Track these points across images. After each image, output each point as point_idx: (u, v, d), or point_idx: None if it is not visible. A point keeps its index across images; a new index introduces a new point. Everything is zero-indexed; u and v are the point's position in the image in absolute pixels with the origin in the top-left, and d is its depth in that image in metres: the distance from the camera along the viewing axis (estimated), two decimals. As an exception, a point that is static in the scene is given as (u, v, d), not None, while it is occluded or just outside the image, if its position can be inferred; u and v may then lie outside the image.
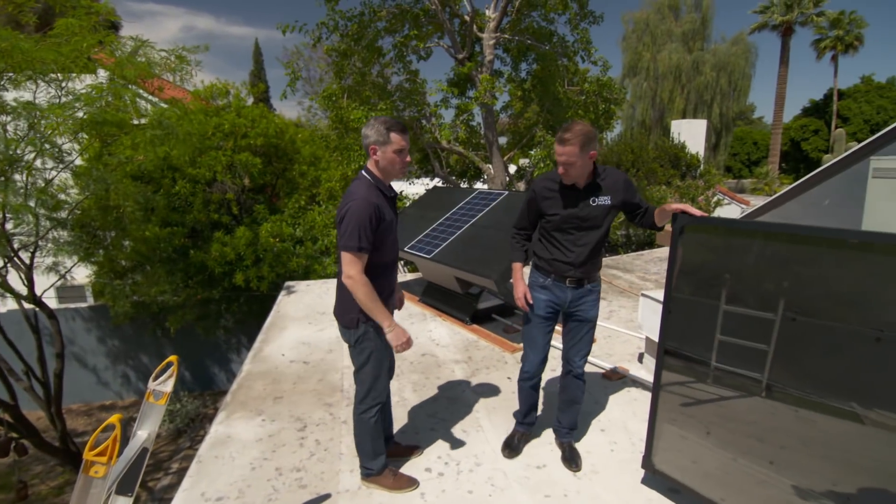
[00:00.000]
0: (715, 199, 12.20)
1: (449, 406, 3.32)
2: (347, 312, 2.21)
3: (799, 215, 7.85)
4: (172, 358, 1.76)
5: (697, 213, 2.12)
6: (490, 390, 3.52)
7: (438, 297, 5.27)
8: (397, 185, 11.87)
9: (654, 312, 3.50)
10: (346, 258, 2.05)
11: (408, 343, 2.15)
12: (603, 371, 3.78)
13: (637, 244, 12.10)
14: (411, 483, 2.49)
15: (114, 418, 1.36)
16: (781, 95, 31.37)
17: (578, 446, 2.81)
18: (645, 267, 7.10)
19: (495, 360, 4.03)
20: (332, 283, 6.74)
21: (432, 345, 4.40)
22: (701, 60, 29.21)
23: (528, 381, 2.73)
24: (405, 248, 5.07)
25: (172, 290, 7.32)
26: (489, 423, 3.10)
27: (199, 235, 8.12)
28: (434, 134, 8.87)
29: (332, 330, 4.86)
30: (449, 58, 9.20)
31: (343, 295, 2.22)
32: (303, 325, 5.04)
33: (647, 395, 3.40)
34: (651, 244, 11.34)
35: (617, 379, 3.67)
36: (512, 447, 2.76)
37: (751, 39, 30.45)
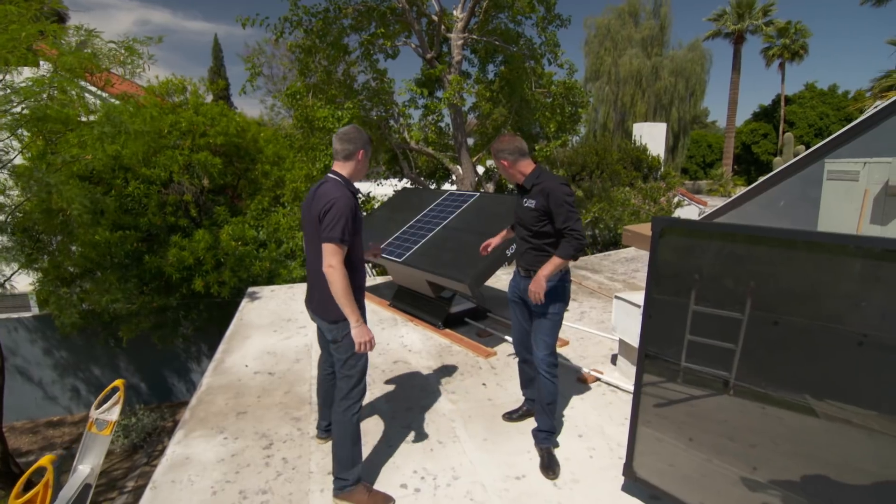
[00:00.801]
0: (676, 199, 12.56)
1: (423, 416, 3.21)
2: (336, 307, 2.25)
3: (757, 216, 8.15)
4: (118, 383, 1.59)
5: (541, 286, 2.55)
6: (465, 398, 3.44)
7: (409, 302, 5.15)
8: (364, 186, 11.64)
9: (628, 315, 3.51)
10: (330, 249, 2.18)
11: (370, 343, 2.26)
12: (577, 374, 3.76)
13: (603, 244, 12.33)
14: (387, 500, 2.39)
15: (45, 460, 1.19)
16: (734, 100, 32.81)
17: (557, 452, 2.75)
18: (612, 267, 7.20)
19: (469, 366, 3.95)
20: (299, 287, 6.51)
21: (404, 351, 4.27)
22: (660, 66, 30.17)
23: (517, 358, 3.11)
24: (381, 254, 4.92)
25: (125, 297, 6.89)
26: (465, 432, 3.01)
27: (156, 239, 7.70)
28: (402, 134, 8.73)
29: (299, 337, 4.66)
30: (417, 58, 9.09)
31: (328, 291, 2.25)
32: (267, 333, 4.81)
33: (623, 399, 3.39)
34: (616, 244, 11.58)
35: (592, 382, 3.65)
36: (511, 417, 3.15)
37: (706, 46, 31.70)
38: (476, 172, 9.26)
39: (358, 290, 2.34)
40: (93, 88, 9.35)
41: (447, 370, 3.87)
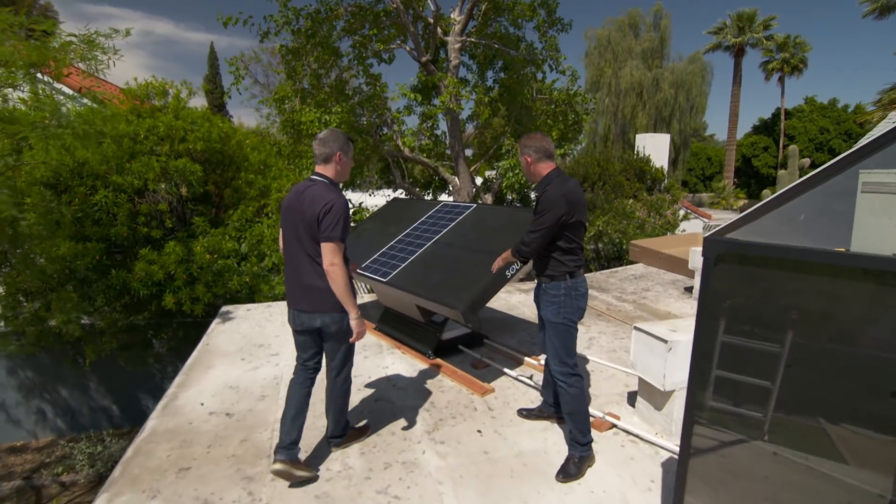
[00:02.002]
0: (682, 213, 12.06)
1: (405, 476, 2.63)
2: (325, 299, 2.45)
3: (775, 231, 7.63)
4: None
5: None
6: (457, 450, 2.86)
7: (396, 326, 4.58)
8: (356, 196, 11.13)
9: (651, 350, 2.95)
10: (331, 248, 2.35)
11: (363, 334, 2.54)
12: (591, 418, 3.18)
13: (606, 258, 11.78)
14: (365, 429, 3.02)
15: None
16: (735, 113, 32.62)
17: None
18: (620, 286, 6.64)
19: (463, 407, 3.37)
20: (277, 307, 5.93)
21: (388, 386, 3.69)
22: (661, 77, 29.95)
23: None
24: (358, 269, 4.36)
25: (89, 315, 6.30)
26: (455, 499, 2.43)
27: (129, 252, 7.12)
28: (396, 142, 8.22)
29: (268, 368, 4.08)
30: (411, 64, 8.63)
31: (317, 284, 2.44)
32: (234, 361, 4.23)
33: (646, 453, 2.82)
34: (621, 258, 11.03)
35: (606, 429, 3.08)
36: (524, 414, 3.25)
37: (706, 59, 31.53)
38: (474, 183, 8.74)
39: (352, 279, 2.58)
40: (68, 90, 8.86)
41: (436, 412, 3.29)
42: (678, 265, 6.94)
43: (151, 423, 3.21)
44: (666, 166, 14.97)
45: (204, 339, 4.85)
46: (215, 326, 5.18)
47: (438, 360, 4.06)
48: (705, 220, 17.35)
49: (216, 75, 28.50)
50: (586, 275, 7.35)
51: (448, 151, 9.62)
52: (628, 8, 32.91)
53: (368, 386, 3.71)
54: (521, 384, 3.71)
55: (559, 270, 2.66)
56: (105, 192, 6.55)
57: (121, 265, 6.61)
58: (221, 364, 4.17)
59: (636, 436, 2.99)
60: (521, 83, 8.34)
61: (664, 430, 2.97)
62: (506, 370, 3.87)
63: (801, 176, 23.31)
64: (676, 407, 2.88)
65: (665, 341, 2.82)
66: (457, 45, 8.16)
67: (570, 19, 8.41)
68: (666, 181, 14.64)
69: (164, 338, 7.46)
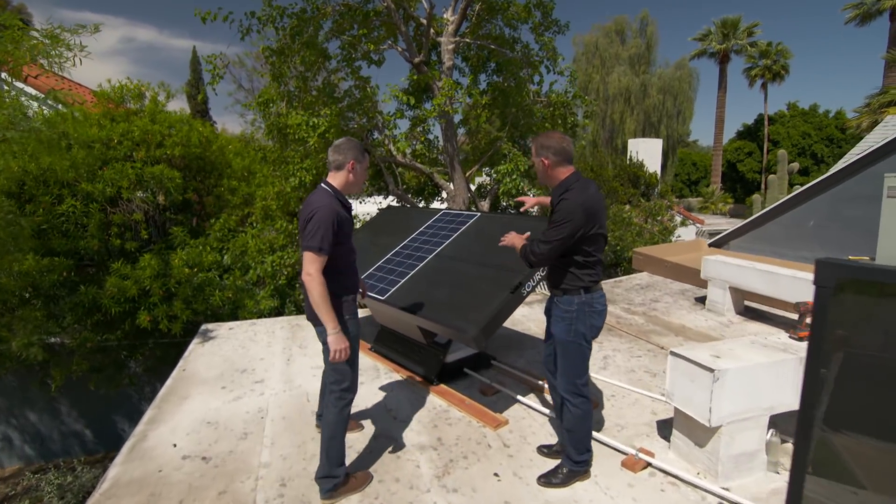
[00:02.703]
0: (679, 219, 11.86)
1: (415, 537, 2.23)
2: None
3: (782, 238, 7.39)
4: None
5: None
6: (473, 500, 2.46)
7: (395, 347, 4.17)
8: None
9: (692, 380, 2.59)
10: (309, 257, 2.26)
11: (344, 352, 2.34)
12: (621, 455, 2.81)
13: (604, 265, 11.50)
14: (367, 476, 2.61)
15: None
16: (721, 119, 32.90)
17: None
18: (627, 296, 6.32)
19: (475, 443, 2.97)
20: (262, 324, 5.48)
21: (388, 419, 3.29)
22: (648, 83, 30.09)
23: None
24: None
25: (56, 335, 5.78)
26: (477, 568, 2.03)
27: (102, 265, 6.59)
28: (388, 147, 7.83)
29: (252, 397, 3.64)
30: (403, 66, 8.28)
31: None
32: (213, 390, 3.78)
33: (691, 499, 2.45)
34: (618, 265, 10.75)
35: (640, 469, 2.71)
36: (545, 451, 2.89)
37: (692, 65, 31.78)
38: (469, 189, 8.39)
39: (347, 292, 2.47)
40: (31, 90, 8.32)
41: (445, 451, 2.90)
42: (686, 274, 6.64)
43: (114, 471, 2.76)
44: (659, 171, 14.80)
45: (181, 362, 4.38)
46: (194, 348, 4.72)
47: (443, 387, 3.66)
48: (698, 225, 17.25)
49: (199, 81, 27.86)
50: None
51: (441, 157, 9.27)
52: (615, 15, 33.13)
53: (365, 417, 3.30)
54: (537, 413, 3.33)
55: (573, 284, 2.45)
56: (72, 201, 6.05)
57: (91, 280, 6.10)
58: (199, 394, 3.72)
59: (676, 476, 2.62)
60: (519, 85, 8.02)
61: (707, 470, 2.61)
62: (519, 397, 3.49)
63: (790, 180, 23.45)
64: (723, 444, 2.53)
65: (711, 370, 2.47)
66: (450, 46, 7.83)
67: (567, 20, 8.13)
68: (660, 186, 14.47)
69: (139, 358, 6.92)
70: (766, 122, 36.54)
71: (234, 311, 6.75)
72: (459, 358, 3.90)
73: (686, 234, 14.54)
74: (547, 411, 3.30)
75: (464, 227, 4.08)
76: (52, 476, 7.10)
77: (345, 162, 2.42)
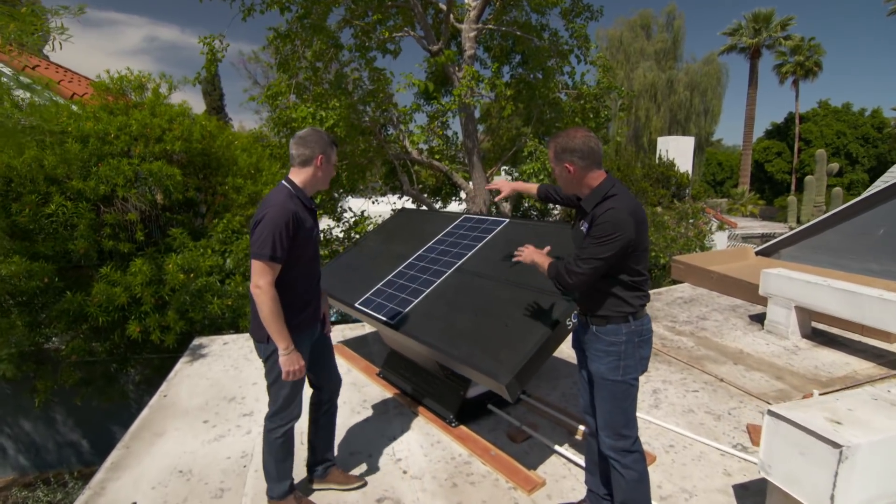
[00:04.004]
0: (715, 223, 11.02)
1: None
2: (260, 326, 2.08)
3: (844, 247, 6.57)
4: None
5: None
6: None
7: (407, 376, 3.56)
8: (356, 203, 10.14)
9: (805, 453, 1.92)
10: (257, 267, 1.99)
11: (298, 372, 2.11)
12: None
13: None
14: None
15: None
16: (751, 116, 31.61)
17: None
18: (670, 312, 5.61)
19: (505, 515, 2.35)
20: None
21: (396, 474, 2.68)
22: (675, 79, 28.97)
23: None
24: (355, 304, 3.35)
25: (37, 346, 5.33)
26: None
27: (95, 269, 6.13)
28: (403, 143, 7.24)
29: (237, 436, 3.07)
30: (419, 57, 7.67)
31: (256, 309, 2.09)
32: (193, 424, 3.22)
33: None
34: (650, 273, 9.97)
35: (728, 565, 2.04)
36: None
37: (720, 60, 30.54)
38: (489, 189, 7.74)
39: (302, 310, 2.19)
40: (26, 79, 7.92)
41: (467, 526, 2.27)
42: (736, 287, 5.90)
43: (51, 544, 2.20)
44: (691, 171, 13.92)
45: (163, 386, 3.85)
46: (181, 367, 4.19)
47: (464, 429, 3.04)
48: (730, 228, 16.29)
49: (214, 77, 27.72)
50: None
51: (460, 155, 8.64)
52: (640, 8, 32.00)
53: (370, 470, 2.70)
54: (580, 470, 2.68)
55: (619, 310, 2.00)
56: (61, 199, 5.58)
57: (79, 286, 5.63)
58: (176, 429, 3.16)
59: (778, 582, 1.95)
60: (547, 76, 7.34)
61: (822, 575, 1.94)
62: (557, 448, 2.85)
63: (827, 182, 22.22)
64: (849, 545, 1.85)
65: (836, 445, 1.80)
66: (472, 34, 7.18)
67: (601, 5, 7.41)
68: (691, 187, 13.62)
69: (130, 371, 6.45)
70: (797, 121, 35.10)
71: (234, 321, 6.23)
72: (482, 392, 3.27)
73: (718, 238, 13.65)
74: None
75: (489, 237, 3.44)
76: (42, 493, 6.69)
77: (312, 157, 2.12)
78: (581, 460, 2.72)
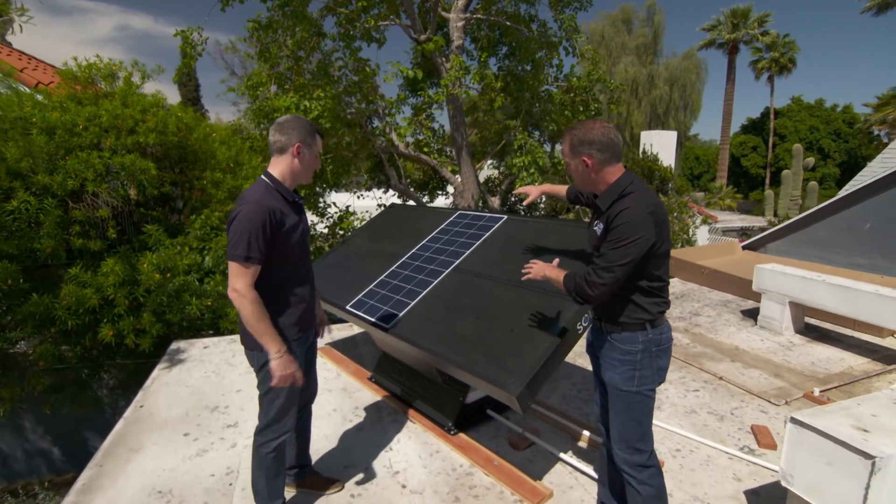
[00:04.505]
0: (700, 218, 11.10)
1: None
2: (250, 333, 1.95)
3: (831, 241, 6.63)
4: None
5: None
6: None
7: (401, 381, 3.40)
8: (342, 199, 9.87)
9: (832, 463, 1.83)
10: (234, 269, 1.84)
11: (292, 377, 1.95)
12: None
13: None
14: None
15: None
16: (729, 112, 32.12)
17: None
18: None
19: (513, 532, 2.21)
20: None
21: (395, 487, 2.52)
22: (655, 74, 29.22)
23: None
24: (347, 306, 3.17)
25: (8, 349, 5.00)
26: None
27: (65, 270, 5.78)
28: (389, 135, 7.02)
29: (221, 450, 2.87)
30: (405, 47, 7.44)
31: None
32: (173, 437, 3.00)
33: None
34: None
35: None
36: None
37: (699, 55, 30.90)
38: (479, 183, 7.59)
39: (296, 310, 2.04)
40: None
41: (474, 545, 2.14)
42: (727, 282, 5.89)
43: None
44: (674, 165, 14.01)
45: (139, 395, 3.61)
46: (158, 374, 3.94)
47: (464, 437, 2.90)
48: (711, 222, 16.50)
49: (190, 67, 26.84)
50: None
51: (447, 148, 8.45)
52: (621, 3, 32.10)
53: (367, 480, 2.53)
54: (588, 479, 2.57)
55: (636, 317, 1.87)
56: (25, 194, 5.22)
57: (46, 288, 5.29)
58: (154, 444, 2.94)
59: None
60: (536, 69, 7.20)
61: (848, 589, 1.86)
62: (562, 455, 2.73)
63: (803, 176, 22.71)
64: (879, 560, 1.77)
65: (868, 456, 1.70)
66: (460, 23, 6.99)
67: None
68: (675, 181, 13.71)
69: (103, 377, 6.14)
70: (772, 116, 35.81)
71: (214, 322, 5.96)
72: (481, 397, 3.13)
73: (699, 233, 13.78)
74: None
75: (487, 234, 3.29)
76: (10, 504, 6.35)
77: (288, 144, 1.95)
78: (588, 468, 2.61)
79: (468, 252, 3.18)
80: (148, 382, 3.78)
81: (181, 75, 26.60)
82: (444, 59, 6.76)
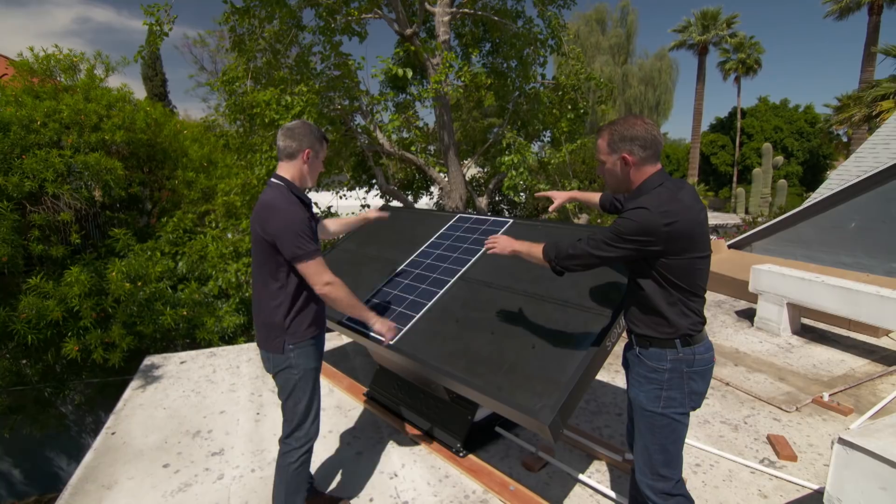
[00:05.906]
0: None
1: None
2: (271, 337, 1.97)
3: (817, 240, 6.71)
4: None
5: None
6: None
7: (401, 397, 3.17)
8: (324, 199, 9.53)
9: (885, 489, 1.70)
10: (312, 267, 1.89)
11: (394, 327, 2.25)
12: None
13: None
14: None
15: None
16: (699, 111, 32.82)
17: None
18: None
19: (540, 569, 2.03)
20: (224, 353, 4.37)
21: (405, 520, 2.30)
22: (629, 73, 29.61)
23: None
24: (344, 319, 2.92)
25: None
26: None
27: (24, 280, 5.30)
28: (375, 134, 6.75)
29: (207, 482, 2.59)
30: (387, 42, 7.18)
31: (267, 318, 1.97)
32: (151, 471, 2.70)
33: None
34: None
35: None
36: None
37: (671, 56, 31.50)
38: (466, 183, 7.39)
39: (312, 306, 2.05)
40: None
41: (500, 588, 1.94)
42: (718, 283, 5.86)
43: None
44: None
45: (110, 419, 3.28)
46: (130, 395, 3.60)
47: (474, 459, 2.70)
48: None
49: (156, 61, 25.72)
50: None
51: (432, 147, 8.23)
52: (594, 3, 32.43)
53: (372, 518, 2.31)
54: (609, 501, 2.41)
55: (665, 332, 1.71)
56: (-26, 198, 4.76)
57: (2, 299, 4.84)
58: (130, 477, 2.64)
59: None
60: (524, 66, 7.04)
61: None
62: (580, 476, 2.56)
63: (773, 174, 23.37)
64: (942, 593, 1.65)
65: (933, 484, 1.58)
66: (446, 18, 6.77)
67: (577, -8, 7.17)
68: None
69: (68, 394, 5.70)
70: (738, 116, 36.85)
71: (190, 332, 5.60)
72: (489, 414, 2.94)
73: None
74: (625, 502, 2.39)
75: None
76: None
77: (298, 150, 2.00)
78: (610, 491, 2.45)
79: (474, 259, 2.98)
80: (120, 405, 3.44)
81: (146, 68, 25.27)
82: (430, 55, 6.53)
